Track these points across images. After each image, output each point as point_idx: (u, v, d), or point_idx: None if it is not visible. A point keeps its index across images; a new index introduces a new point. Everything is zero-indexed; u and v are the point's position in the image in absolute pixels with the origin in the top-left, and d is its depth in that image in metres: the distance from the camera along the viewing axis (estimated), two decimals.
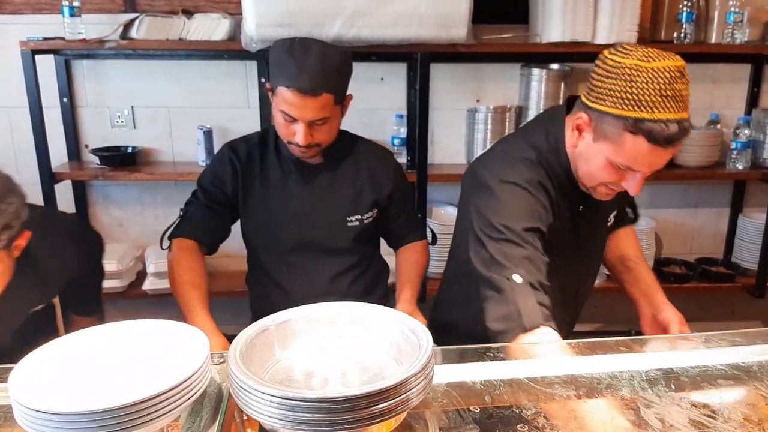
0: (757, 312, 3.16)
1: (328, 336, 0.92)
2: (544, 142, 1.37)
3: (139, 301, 2.72)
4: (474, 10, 2.35)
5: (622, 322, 3.10)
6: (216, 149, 2.71)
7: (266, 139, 1.73)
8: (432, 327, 0.95)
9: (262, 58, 2.64)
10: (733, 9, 2.49)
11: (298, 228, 1.70)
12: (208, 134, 2.68)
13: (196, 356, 0.82)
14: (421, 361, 0.79)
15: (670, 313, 1.50)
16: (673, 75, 1.12)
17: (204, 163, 2.67)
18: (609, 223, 1.58)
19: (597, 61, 1.22)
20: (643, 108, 1.12)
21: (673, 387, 1.00)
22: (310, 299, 1.03)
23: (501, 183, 1.34)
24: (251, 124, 2.76)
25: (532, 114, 2.67)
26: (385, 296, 1.86)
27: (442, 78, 2.76)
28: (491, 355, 1.10)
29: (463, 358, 1.11)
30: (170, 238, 1.70)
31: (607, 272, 2.73)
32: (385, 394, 0.74)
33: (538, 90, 2.63)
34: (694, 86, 1.37)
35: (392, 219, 1.81)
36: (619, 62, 1.15)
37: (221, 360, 0.93)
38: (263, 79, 2.72)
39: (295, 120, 1.53)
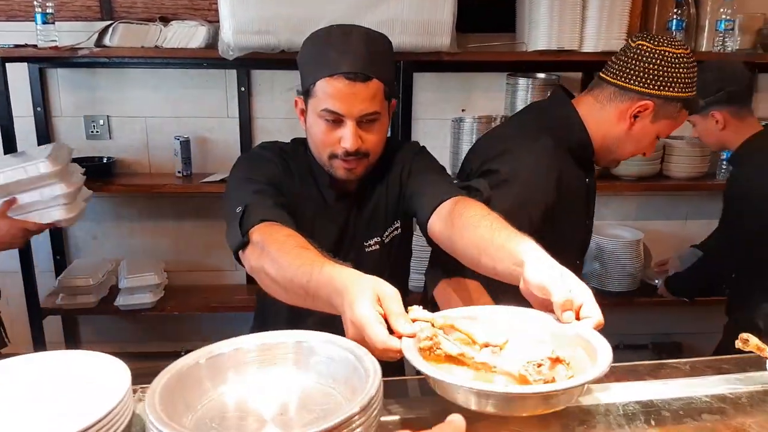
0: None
1: (264, 370, 0.84)
2: (559, 125, 1.49)
3: (111, 318, 2.62)
4: (459, 18, 2.28)
5: (635, 336, 3.04)
6: (194, 160, 2.65)
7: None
8: None
9: (242, 66, 2.58)
10: (724, 17, 2.42)
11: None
12: (186, 144, 2.62)
13: (114, 392, 0.73)
14: (369, 393, 0.71)
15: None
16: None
17: (181, 174, 2.60)
18: None
19: (644, 49, 1.38)
20: (690, 89, 1.39)
21: (653, 423, 0.91)
22: None
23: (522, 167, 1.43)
24: (231, 135, 2.70)
25: None
26: None
27: (427, 88, 2.70)
28: None
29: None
30: (243, 234, 1.16)
31: (618, 290, 2.67)
32: None
33: (524, 99, 2.56)
34: None
35: (417, 187, 1.37)
36: (673, 52, 1.37)
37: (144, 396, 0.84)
38: (243, 89, 2.65)
39: (341, 120, 1.25)
